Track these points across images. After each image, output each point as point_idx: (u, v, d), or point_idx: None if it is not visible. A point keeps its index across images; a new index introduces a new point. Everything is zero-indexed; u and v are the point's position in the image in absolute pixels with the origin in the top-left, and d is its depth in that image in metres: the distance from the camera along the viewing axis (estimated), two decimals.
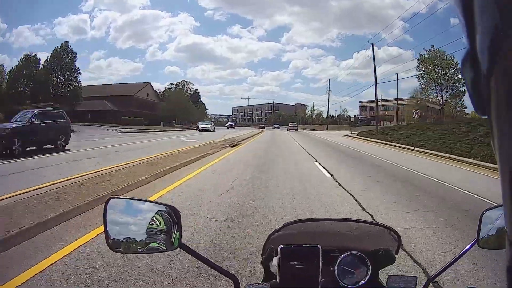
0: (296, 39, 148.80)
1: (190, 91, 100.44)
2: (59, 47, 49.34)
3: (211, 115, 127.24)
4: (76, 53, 50.75)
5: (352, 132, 39.25)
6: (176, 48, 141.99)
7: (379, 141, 27.31)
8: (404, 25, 74.73)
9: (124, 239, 0.99)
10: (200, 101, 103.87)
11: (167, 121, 61.34)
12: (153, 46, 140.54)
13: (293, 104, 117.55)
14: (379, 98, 42.64)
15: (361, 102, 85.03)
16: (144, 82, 69.00)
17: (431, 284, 1.13)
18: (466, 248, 1.13)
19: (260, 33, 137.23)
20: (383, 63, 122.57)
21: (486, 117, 0.37)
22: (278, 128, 72.69)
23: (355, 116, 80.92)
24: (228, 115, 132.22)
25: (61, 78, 48.60)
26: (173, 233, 1.00)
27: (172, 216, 1.02)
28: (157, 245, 1.00)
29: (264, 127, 67.54)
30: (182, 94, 69.16)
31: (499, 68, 0.34)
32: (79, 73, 50.35)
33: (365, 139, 30.42)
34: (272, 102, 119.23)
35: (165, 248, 1.00)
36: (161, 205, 1.04)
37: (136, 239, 0.99)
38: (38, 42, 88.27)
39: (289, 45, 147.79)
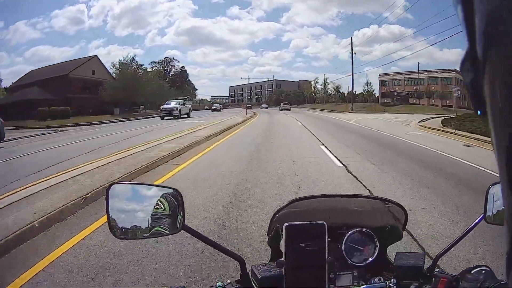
0: (296, 18, 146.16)
1: (176, 69, 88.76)
2: None
3: (211, 96, 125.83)
4: None
5: (423, 120, 24.58)
6: (175, 32, 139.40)
7: None
8: (404, 3, 75.12)
9: (127, 225, 0.98)
10: (189, 80, 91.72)
11: (129, 106, 47.22)
12: (152, 31, 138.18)
13: (296, 81, 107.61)
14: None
15: (381, 75, 70.80)
16: (89, 56, 51.67)
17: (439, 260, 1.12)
18: (473, 224, 1.11)
19: (259, 13, 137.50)
20: (384, 42, 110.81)
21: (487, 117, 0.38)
22: (267, 108, 66.68)
23: (385, 92, 65.45)
24: (226, 96, 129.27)
25: None
26: (178, 216, 1.00)
27: (176, 198, 1.01)
28: (160, 229, 0.98)
29: (251, 107, 58.20)
30: (135, 72, 48.89)
31: (499, 68, 0.33)
32: None
33: None
34: (273, 78, 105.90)
35: (168, 232, 0.99)
36: (164, 188, 1.04)
37: (139, 224, 0.98)
38: (36, 36, 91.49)
39: (289, 24, 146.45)
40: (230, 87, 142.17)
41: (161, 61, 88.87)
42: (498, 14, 0.32)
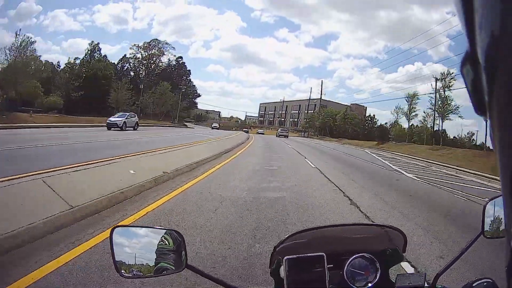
0: (343, 48, 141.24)
1: (169, 60, 61.13)
2: None
3: (246, 115, 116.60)
4: None
5: None
6: (220, 47, 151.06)
7: None
8: (449, 42, 72.06)
9: (132, 263, 1.02)
10: (189, 80, 63.68)
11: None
12: (197, 43, 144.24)
13: (346, 104, 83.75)
14: None
15: None
16: None
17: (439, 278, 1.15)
18: (471, 241, 1.15)
19: (307, 39, 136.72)
20: (427, 80, 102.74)
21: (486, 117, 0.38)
22: (262, 134, 59.76)
23: None
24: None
25: None
26: (182, 252, 1.04)
27: (177, 238, 1.05)
28: (166, 264, 1.03)
29: (247, 131, 55.31)
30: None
31: (499, 68, 0.34)
32: None
33: None
34: (319, 98, 77.47)
35: (174, 268, 1.03)
36: (164, 229, 1.08)
37: (145, 262, 1.02)
38: (76, 28, 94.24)
39: (335, 53, 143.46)
40: (260, 104, 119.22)
41: (146, 44, 62.79)
42: (498, 14, 0.32)
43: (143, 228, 1.09)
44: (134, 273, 1.02)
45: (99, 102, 48.07)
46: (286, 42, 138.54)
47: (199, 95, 76.21)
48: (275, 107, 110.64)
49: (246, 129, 63.83)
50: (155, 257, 1.02)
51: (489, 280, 1.01)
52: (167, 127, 44.16)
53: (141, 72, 66.18)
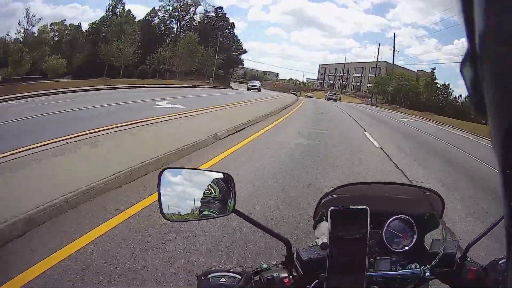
0: (401, 16, 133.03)
1: (205, 11, 51.70)
2: None
3: (307, 78, 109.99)
4: None
5: None
6: (281, 10, 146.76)
7: None
8: None
9: (177, 208, 1.03)
10: (233, 34, 53.07)
11: None
12: (256, 6, 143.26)
13: (413, 70, 68.35)
14: None
15: None
16: None
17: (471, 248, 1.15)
18: (503, 215, 0.96)
19: (366, 5, 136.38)
20: None
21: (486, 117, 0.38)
22: (311, 97, 52.26)
23: None
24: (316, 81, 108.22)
25: None
26: (228, 201, 1.04)
27: (227, 183, 1.05)
28: (209, 212, 1.03)
29: (296, 94, 50.07)
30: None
31: (499, 68, 0.34)
32: None
33: None
34: (382, 60, 64.95)
35: (217, 214, 1.04)
36: (215, 172, 1.08)
37: (189, 207, 1.03)
38: None
39: (394, 21, 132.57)
40: (320, 66, 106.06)
41: None
42: (498, 14, 0.32)
43: (194, 171, 1.10)
44: (179, 216, 1.03)
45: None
46: (346, 8, 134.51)
47: (244, 51, 65.08)
48: (336, 68, 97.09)
49: (295, 92, 58.22)
50: (201, 203, 1.02)
51: None
52: (192, 88, 34.62)
53: (172, 26, 56.63)
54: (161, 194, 1.01)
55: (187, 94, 22.08)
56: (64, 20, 46.12)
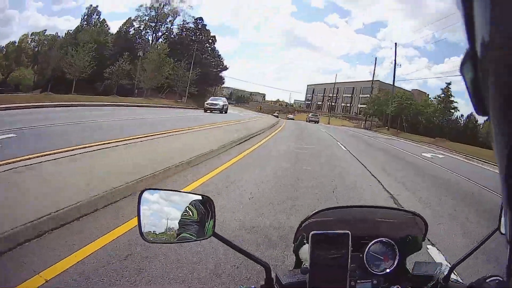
0: (392, 36, 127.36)
1: (183, 22, 47.05)
2: None
3: (294, 100, 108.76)
4: None
5: None
6: (272, 31, 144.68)
7: None
8: None
9: (157, 229, 1.01)
10: (213, 48, 48.27)
11: None
12: (248, 25, 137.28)
13: (406, 89, 61.15)
14: None
15: None
16: None
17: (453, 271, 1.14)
18: (488, 235, 1.15)
19: (357, 25, 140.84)
20: None
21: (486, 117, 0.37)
22: (292, 119, 51.14)
23: None
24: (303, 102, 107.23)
25: None
26: (206, 223, 1.03)
27: (206, 206, 1.04)
28: (188, 235, 1.01)
29: (277, 116, 48.14)
30: None
31: (499, 68, 0.33)
32: None
33: None
34: (372, 79, 61.45)
35: (196, 238, 1.03)
36: (194, 195, 1.07)
37: (168, 229, 1.01)
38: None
39: (385, 41, 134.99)
40: (308, 86, 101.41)
41: (153, 5, 47.73)
42: (498, 14, 0.32)
43: (174, 192, 1.09)
44: (158, 238, 1.01)
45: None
46: (336, 28, 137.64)
47: (225, 68, 58.78)
48: (325, 89, 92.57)
49: (277, 114, 55.27)
50: (180, 225, 1.01)
51: (500, 279, 1.01)
52: (152, 108, 28.23)
53: (147, 38, 51.09)
54: (140, 215, 1.00)
55: (124, 116, 16.49)
56: (45, 30, 43.88)
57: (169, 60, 42.21)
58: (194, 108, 38.23)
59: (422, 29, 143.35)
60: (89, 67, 36.76)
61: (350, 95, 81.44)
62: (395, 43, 50.41)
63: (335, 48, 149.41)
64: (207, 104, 29.69)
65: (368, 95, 63.35)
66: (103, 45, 43.23)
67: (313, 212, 1.20)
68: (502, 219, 1.04)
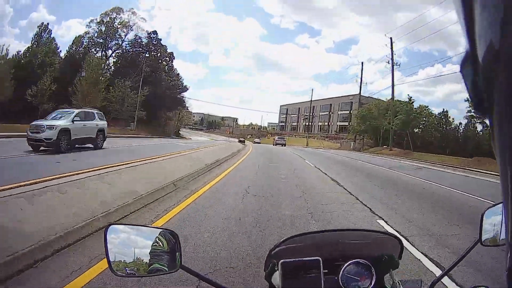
0: (363, 52, 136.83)
1: (135, 37, 41.95)
2: None
3: (268, 123, 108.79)
4: None
5: None
6: (242, 54, 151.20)
7: None
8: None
9: (126, 263, 1.00)
10: (170, 67, 40.78)
11: None
12: (218, 50, 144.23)
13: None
14: None
15: None
16: None
17: (436, 285, 1.13)
18: (468, 248, 1.13)
19: (328, 44, 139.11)
20: (448, 83, 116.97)
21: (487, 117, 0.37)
22: (259, 143, 54.20)
23: None
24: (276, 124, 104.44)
25: None
26: (176, 253, 1.02)
27: (172, 239, 1.03)
28: (159, 265, 1.01)
29: (243, 141, 48.14)
30: None
31: (499, 68, 0.33)
32: None
33: None
34: (357, 93, 53.95)
35: (167, 270, 1.01)
36: (159, 229, 1.06)
37: (139, 262, 1.00)
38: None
39: (356, 58, 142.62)
40: (281, 107, 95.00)
41: (102, 20, 40.40)
42: (498, 15, 0.32)
43: (139, 227, 1.09)
44: (128, 272, 1.00)
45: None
46: (307, 48, 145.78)
47: (185, 89, 51.31)
48: (299, 108, 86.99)
49: (243, 139, 54.60)
50: (149, 257, 1.00)
51: None
52: None
53: (96, 54, 42.97)
54: (108, 250, 0.99)
55: None
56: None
57: (108, 77, 34.06)
58: (139, 137, 30.68)
59: (393, 42, 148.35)
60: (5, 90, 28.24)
61: (327, 112, 75.90)
62: (391, 38, 41.58)
63: (306, 69, 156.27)
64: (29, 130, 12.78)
65: (348, 112, 57.22)
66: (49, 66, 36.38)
67: (282, 239, 1.15)
68: (484, 229, 1.08)
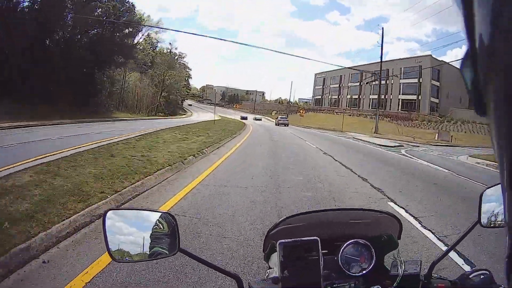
0: (393, 31, 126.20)
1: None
2: None
3: (299, 98, 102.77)
4: None
5: None
6: (271, 32, 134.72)
7: None
8: None
9: (126, 248, 0.99)
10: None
11: None
12: (247, 28, 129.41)
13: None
14: None
15: None
16: None
17: (436, 266, 1.11)
18: (468, 229, 1.13)
19: (358, 21, 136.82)
20: None
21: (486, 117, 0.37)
22: (260, 120, 56.97)
23: None
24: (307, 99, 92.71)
25: None
26: (175, 238, 1.01)
27: (170, 221, 1.02)
28: (160, 249, 1.00)
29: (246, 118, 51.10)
30: None
31: (499, 68, 0.33)
32: None
33: None
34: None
35: (167, 253, 1.00)
36: (158, 212, 1.06)
37: (138, 246, 0.98)
38: None
39: (386, 36, 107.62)
40: (316, 75, 75.20)
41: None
42: (498, 14, 0.32)
43: (137, 211, 1.09)
44: (127, 257, 0.99)
45: None
46: (337, 25, 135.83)
47: (138, 27, 36.55)
48: (341, 76, 67.60)
49: (245, 116, 56.45)
50: (150, 241, 0.98)
51: (486, 272, 0.99)
52: None
53: None
54: (107, 235, 0.97)
55: None
56: None
57: None
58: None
59: (422, 23, 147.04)
60: None
61: (358, 82, 61.70)
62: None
63: (336, 46, 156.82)
64: None
65: (415, 80, 50.18)
66: None
67: (281, 219, 1.16)
68: (483, 209, 1.09)
